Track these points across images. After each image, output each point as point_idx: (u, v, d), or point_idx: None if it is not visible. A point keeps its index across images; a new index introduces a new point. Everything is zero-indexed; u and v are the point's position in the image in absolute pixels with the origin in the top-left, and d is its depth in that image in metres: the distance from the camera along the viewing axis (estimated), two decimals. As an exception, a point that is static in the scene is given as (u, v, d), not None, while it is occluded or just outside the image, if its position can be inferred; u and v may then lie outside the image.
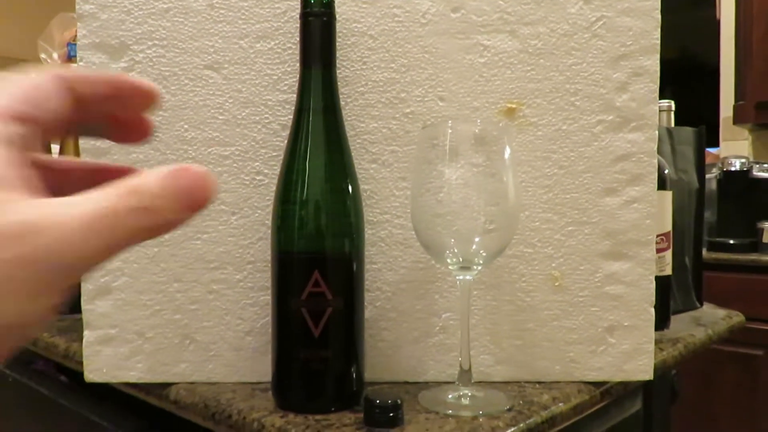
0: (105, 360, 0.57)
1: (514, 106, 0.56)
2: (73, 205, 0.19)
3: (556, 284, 0.57)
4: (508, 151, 0.50)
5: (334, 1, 0.51)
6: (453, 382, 0.54)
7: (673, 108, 0.96)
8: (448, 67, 0.56)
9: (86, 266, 0.20)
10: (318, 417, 0.48)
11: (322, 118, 0.51)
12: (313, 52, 0.50)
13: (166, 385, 0.57)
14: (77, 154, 0.86)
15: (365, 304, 0.56)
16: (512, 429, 0.47)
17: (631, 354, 0.57)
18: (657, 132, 0.56)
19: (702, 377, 1.96)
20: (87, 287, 0.56)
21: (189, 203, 0.21)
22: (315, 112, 0.50)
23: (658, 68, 0.56)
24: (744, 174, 2.02)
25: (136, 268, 0.56)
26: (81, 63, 0.55)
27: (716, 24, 2.61)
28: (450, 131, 0.50)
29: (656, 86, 0.56)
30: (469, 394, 0.52)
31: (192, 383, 0.57)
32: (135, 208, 0.20)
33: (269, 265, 0.56)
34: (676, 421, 1.87)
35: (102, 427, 0.68)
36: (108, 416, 0.68)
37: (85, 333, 0.57)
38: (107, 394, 0.63)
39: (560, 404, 0.53)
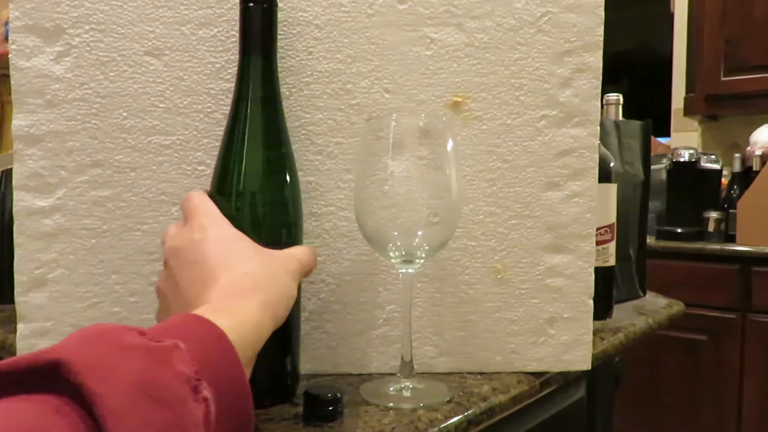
0: (40, 353, 0.55)
1: (459, 99, 0.56)
2: (296, 249, 0.46)
3: (499, 277, 0.58)
4: (451, 145, 0.50)
5: None
6: (396, 374, 0.54)
7: (621, 101, 0.97)
8: (395, 59, 0.56)
9: (307, 272, 0.46)
10: (258, 411, 0.48)
11: (260, 108, 0.50)
12: (252, 41, 0.49)
13: (105, 379, 0.56)
14: (9, 140, 0.82)
15: (309, 296, 0.56)
16: (451, 421, 0.48)
17: (570, 345, 0.59)
18: (598, 128, 0.57)
19: (647, 362, 2.03)
20: (21, 279, 0.55)
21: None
22: (254, 102, 0.49)
23: (600, 65, 0.57)
24: (692, 165, 2.08)
25: (73, 260, 0.55)
26: (13, 47, 0.53)
27: (671, 17, 2.67)
28: (394, 124, 0.50)
29: (599, 82, 0.57)
30: (410, 386, 0.52)
31: (131, 376, 0.56)
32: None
33: (211, 256, 0.55)
34: (621, 404, 1.93)
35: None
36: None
37: (19, 326, 0.55)
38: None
39: (500, 395, 0.54)
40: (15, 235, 0.54)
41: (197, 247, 0.42)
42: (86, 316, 0.55)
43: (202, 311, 0.36)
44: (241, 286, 0.40)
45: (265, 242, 0.45)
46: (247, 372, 0.39)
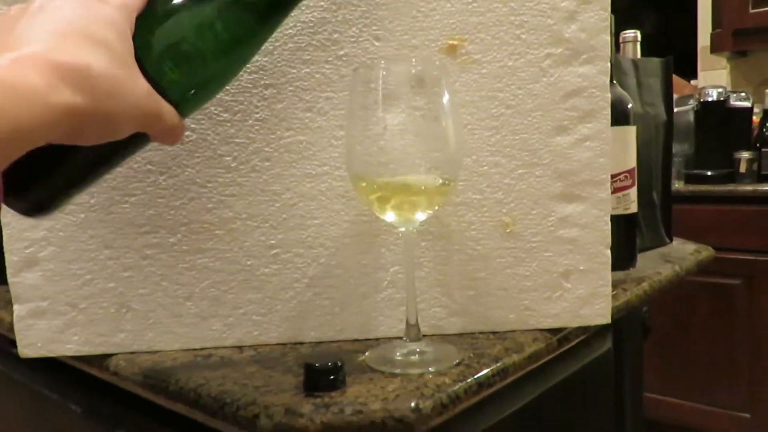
0: (38, 334, 0.54)
1: (455, 42, 0.52)
2: None
3: (508, 230, 0.54)
4: (448, 92, 0.47)
5: None
6: (402, 338, 0.51)
7: (639, 38, 0.91)
8: (383, 3, 0.52)
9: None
10: (258, 384, 0.46)
11: None
12: None
13: (107, 356, 0.54)
14: None
15: (308, 261, 0.54)
16: (459, 384, 0.45)
17: (588, 298, 0.55)
18: (609, 64, 0.53)
19: (677, 309, 1.98)
20: (12, 259, 0.53)
21: None
22: None
23: (609, -6, 0.52)
24: (721, 104, 1.99)
25: (63, 237, 0.53)
26: (-20, 16, 0.51)
27: (693, -51, 2.53)
28: (384, 73, 0.46)
29: (607, 14, 0.52)
30: (417, 350, 0.50)
31: (133, 353, 0.54)
32: None
33: (204, 226, 0.53)
34: (651, 354, 1.90)
35: (52, 400, 0.66)
36: (58, 389, 0.66)
37: (15, 307, 0.54)
38: (59, 366, 0.60)
39: (513, 354, 0.51)
40: (2, 215, 0.53)
41: (14, 17, 0.34)
42: (81, 293, 0.54)
43: None
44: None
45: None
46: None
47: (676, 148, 1.83)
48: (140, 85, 0.36)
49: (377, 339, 0.55)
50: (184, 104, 0.41)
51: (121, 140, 0.37)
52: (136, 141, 0.40)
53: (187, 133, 0.52)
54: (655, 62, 0.91)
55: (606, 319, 0.56)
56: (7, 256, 0.53)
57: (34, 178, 0.38)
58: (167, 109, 0.39)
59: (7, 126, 0.28)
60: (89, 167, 0.40)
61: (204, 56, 0.41)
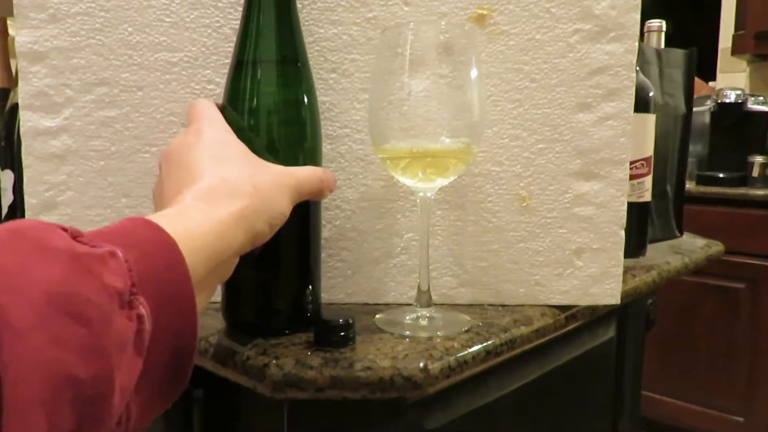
0: (53, 277, 0.54)
1: (484, 12, 0.52)
2: (297, 168, 0.43)
3: (524, 205, 0.54)
4: (475, 62, 0.47)
5: None
6: (413, 304, 0.52)
7: (664, 28, 0.91)
8: (415, -32, 0.52)
9: (306, 193, 0.43)
10: (270, 339, 0.47)
11: (274, 18, 0.46)
12: None
13: (119, 304, 0.55)
14: (6, 54, 0.81)
15: (324, 222, 0.54)
16: (468, 350, 0.46)
17: (599, 277, 0.55)
18: (637, 43, 0.53)
19: (682, 309, 1.98)
20: (31, 201, 0.54)
21: None
22: (266, 10, 0.46)
23: (641, -28, 0.52)
24: (738, 106, 1.98)
25: (82, 182, 0.53)
26: (12, -44, 0.51)
27: (721, -51, 2.50)
28: (412, 37, 0.46)
29: (639, -8, 0.52)
30: (427, 315, 0.50)
31: (144, 302, 0.55)
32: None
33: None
34: (655, 351, 1.90)
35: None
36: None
37: (31, 249, 0.54)
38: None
39: (522, 327, 0.51)
40: (23, 156, 0.53)
41: (187, 150, 0.40)
42: (97, 240, 0.54)
43: (160, 214, 0.33)
44: (216, 191, 0.36)
45: (281, 164, 0.42)
46: (208, 287, 0.36)
47: (690, 148, 1.82)
48: (272, 167, 0.41)
49: (387, 304, 0.55)
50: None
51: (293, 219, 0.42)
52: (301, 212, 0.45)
53: (211, 86, 0.52)
54: (679, 53, 0.90)
55: (615, 299, 0.56)
56: (26, 198, 0.54)
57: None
58: (302, 171, 0.43)
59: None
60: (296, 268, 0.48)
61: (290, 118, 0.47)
